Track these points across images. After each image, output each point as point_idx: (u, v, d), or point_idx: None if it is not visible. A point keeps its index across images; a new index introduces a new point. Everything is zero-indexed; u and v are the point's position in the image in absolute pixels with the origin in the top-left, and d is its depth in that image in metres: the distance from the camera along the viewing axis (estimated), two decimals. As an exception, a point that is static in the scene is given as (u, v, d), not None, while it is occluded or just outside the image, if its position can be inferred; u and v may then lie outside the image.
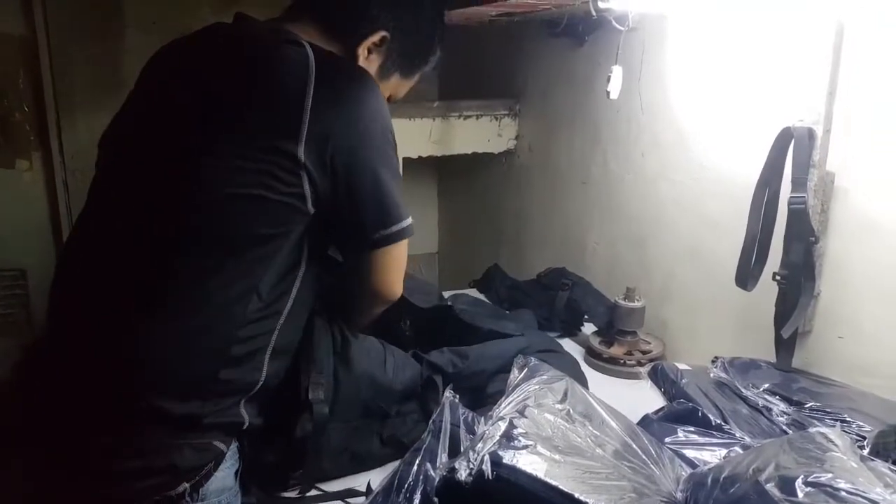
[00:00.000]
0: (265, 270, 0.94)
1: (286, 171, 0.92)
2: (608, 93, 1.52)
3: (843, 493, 0.76)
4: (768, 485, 0.79)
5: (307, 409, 1.04)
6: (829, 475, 0.78)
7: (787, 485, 0.78)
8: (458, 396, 1.01)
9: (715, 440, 1.11)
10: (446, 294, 1.80)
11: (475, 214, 2.62)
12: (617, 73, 1.50)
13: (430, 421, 0.96)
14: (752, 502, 0.79)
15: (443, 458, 0.88)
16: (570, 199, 2.05)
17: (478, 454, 0.80)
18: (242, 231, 0.92)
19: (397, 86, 1.18)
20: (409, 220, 1.04)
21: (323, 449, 1.08)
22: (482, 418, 0.97)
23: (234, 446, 0.98)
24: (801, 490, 0.77)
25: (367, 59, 1.10)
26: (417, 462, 0.87)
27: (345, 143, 0.94)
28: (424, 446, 0.91)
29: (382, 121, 1.00)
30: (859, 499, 0.76)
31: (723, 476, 0.87)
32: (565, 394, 0.99)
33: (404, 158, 2.17)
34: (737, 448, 1.08)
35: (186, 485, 0.92)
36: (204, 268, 0.92)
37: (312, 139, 0.92)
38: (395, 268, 1.06)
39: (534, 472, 0.80)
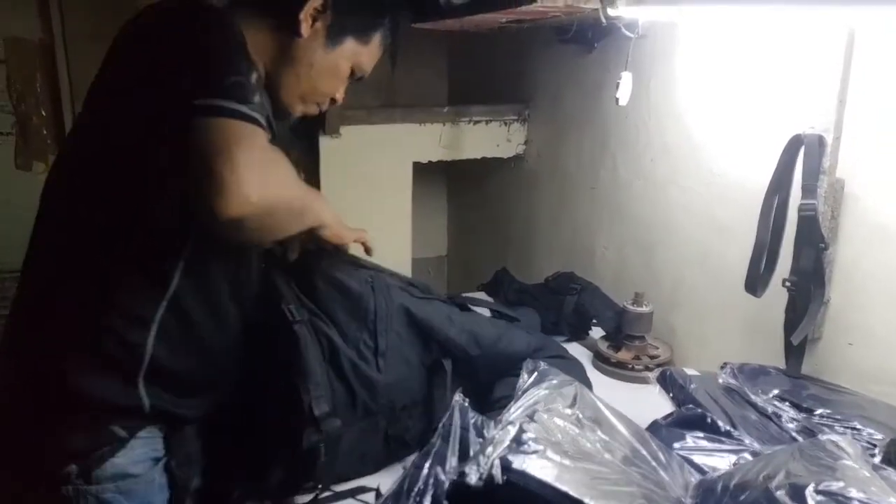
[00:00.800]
0: (139, 243, 0.93)
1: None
2: (617, 99, 1.52)
3: (856, 503, 0.76)
4: (779, 492, 0.79)
5: (312, 423, 1.03)
6: (841, 484, 0.78)
7: (797, 493, 0.78)
8: (468, 400, 1.01)
9: (724, 446, 1.11)
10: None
11: (484, 218, 2.63)
12: (626, 79, 1.51)
13: (440, 424, 0.97)
14: (762, 510, 0.79)
15: (452, 462, 0.88)
16: (579, 203, 2.05)
17: (488, 458, 0.81)
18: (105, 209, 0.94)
19: (356, 53, 1.08)
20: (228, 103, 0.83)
21: (335, 457, 1.08)
22: (492, 422, 0.97)
23: (150, 435, 0.97)
24: (812, 499, 0.76)
25: (314, 28, 1.02)
26: (427, 466, 0.87)
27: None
28: (434, 450, 0.91)
29: None
30: (872, 509, 0.75)
31: (733, 483, 0.87)
32: (575, 399, 0.99)
33: (414, 164, 2.19)
34: (746, 455, 1.08)
35: (74, 466, 0.92)
36: (88, 240, 0.94)
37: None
38: (210, 158, 0.78)
39: (544, 478, 0.80)
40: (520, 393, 0.98)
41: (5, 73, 2.51)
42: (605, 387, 1.56)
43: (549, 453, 0.84)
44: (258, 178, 0.80)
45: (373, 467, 1.14)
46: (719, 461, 1.08)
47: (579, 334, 1.79)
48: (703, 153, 1.59)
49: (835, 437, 0.91)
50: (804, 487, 0.78)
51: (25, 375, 0.96)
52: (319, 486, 1.07)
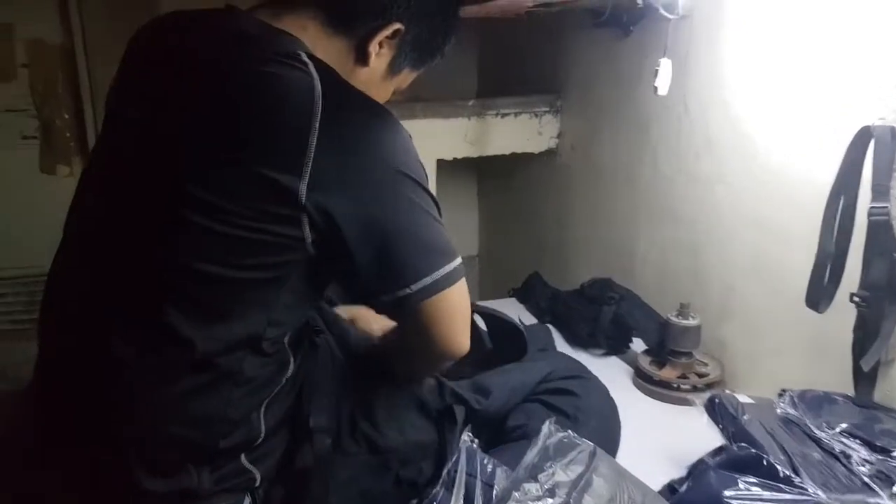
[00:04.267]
0: (263, 319, 0.84)
1: (283, 208, 0.79)
2: (656, 88, 1.37)
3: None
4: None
5: (308, 438, 0.95)
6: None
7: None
8: (476, 441, 0.90)
9: (783, 495, 0.95)
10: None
11: (516, 217, 2.49)
12: (665, 66, 1.35)
13: (445, 471, 0.85)
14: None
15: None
16: (616, 202, 1.89)
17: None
18: (233, 274, 0.81)
19: (405, 78, 1.04)
20: (453, 264, 0.88)
21: (329, 483, 0.98)
22: (500, 469, 0.85)
23: (248, 501, 0.90)
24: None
25: (378, 55, 0.96)
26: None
27: (353, 197, 0.81)
28: (436, 502, 0.80)
29: (403, 165, 0.85)
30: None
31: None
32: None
33: (438, 161, 2.06)
34: (808, 508, 0.92)
35: None
36: (193, 321, 0.81)
37: (316, 182, 0.79)
38: (447, 320, 0.90)
39: None
40: (533, 458, 0.85)
41: (28, 77, 2.50)
42: (645, 408, 1.42)
43: None
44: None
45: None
46: (777, 514, 0.93)
47: (619, 347, 1.65)
48: (755, 147, 1.42)
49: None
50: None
51: (115, 474, 0.84)
52: None
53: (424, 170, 0.88)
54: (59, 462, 0.86)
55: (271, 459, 0.92)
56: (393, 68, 0.98)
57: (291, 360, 0.90)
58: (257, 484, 0.89)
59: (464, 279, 0.90)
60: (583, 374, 1.24)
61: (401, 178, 0.84)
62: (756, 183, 1.43)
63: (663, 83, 1.37)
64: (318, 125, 0.78)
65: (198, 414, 0.83)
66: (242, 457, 0.88)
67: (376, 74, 0.97)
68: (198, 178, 0.80)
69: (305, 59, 0.83)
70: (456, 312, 0.90)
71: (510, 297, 1.98)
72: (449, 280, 0.87)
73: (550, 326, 1.78)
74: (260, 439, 0.88)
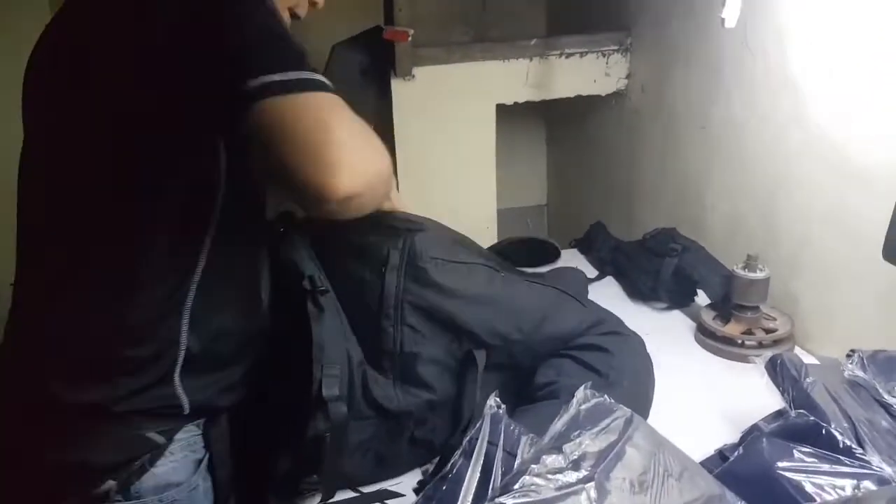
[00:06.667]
0: (153, 221, 0.82)
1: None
2: (722, 20, 1.24)
3: None
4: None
5: (319, 406, 0.91)
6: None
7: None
8: (503, 407, 0.85)
9: (842, 468, 0.88)
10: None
11: (584, 164, 2.38)
12: (735, -6, 1.22)
13: (467, 439, 0.82)
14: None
15: (469, 493, 0.73)
16: (687, 147, 1.77)
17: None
18: (103, 182, 0.81)
19: None
20: (315, 76, 0.74)
21: (344, 450, 0.96)
22: (525, 437, 0.81)
23: (188, 436, 0.88)
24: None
25: None
26: (437, 499, 0.73)
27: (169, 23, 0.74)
28: (452, 472, 0.77)
29: None
30: None
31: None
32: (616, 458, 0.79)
33: (499, 106, 1.98)
34: (868, 483, 0.84)
35: (112, 483, 0.83)
36: (77, 231, 0.84)
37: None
38: (311, 136, 0.70)
39: None
40: (563, 424, 0.80)
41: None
42: (706, 368, 1.36)
43: None
44: (362, 151, 0.74)
45: (391, 472, 1.02)
46: (832, 488, 0.86)
47: (681, 301, 1.56)
48: (839, 85, 1.28)
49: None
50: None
51: (37, 386, 0.86)
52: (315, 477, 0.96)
53: None
54: None
55: (210, 390, 0.88)
56: None
57: (201, 263, 0.84)
58: (185, 412, 0.86)
59: (338, 105, 0.74)
60: (619, 329, 1.17)
61: None
62: (837, 124, 1.29)
63: (731, 14, 1.24)
64: None
65: (100, 322, 0.83)
66: (173, 382, 0.85)
67: None
68: (109, 101, 0.79)
69: None
70: (318, 131, 0.70)
71: (572, 247, 1.91)
72: (304, 85, 0.71)
73: (612, 279, 1.71)
74: (181, 356, 0.85)
